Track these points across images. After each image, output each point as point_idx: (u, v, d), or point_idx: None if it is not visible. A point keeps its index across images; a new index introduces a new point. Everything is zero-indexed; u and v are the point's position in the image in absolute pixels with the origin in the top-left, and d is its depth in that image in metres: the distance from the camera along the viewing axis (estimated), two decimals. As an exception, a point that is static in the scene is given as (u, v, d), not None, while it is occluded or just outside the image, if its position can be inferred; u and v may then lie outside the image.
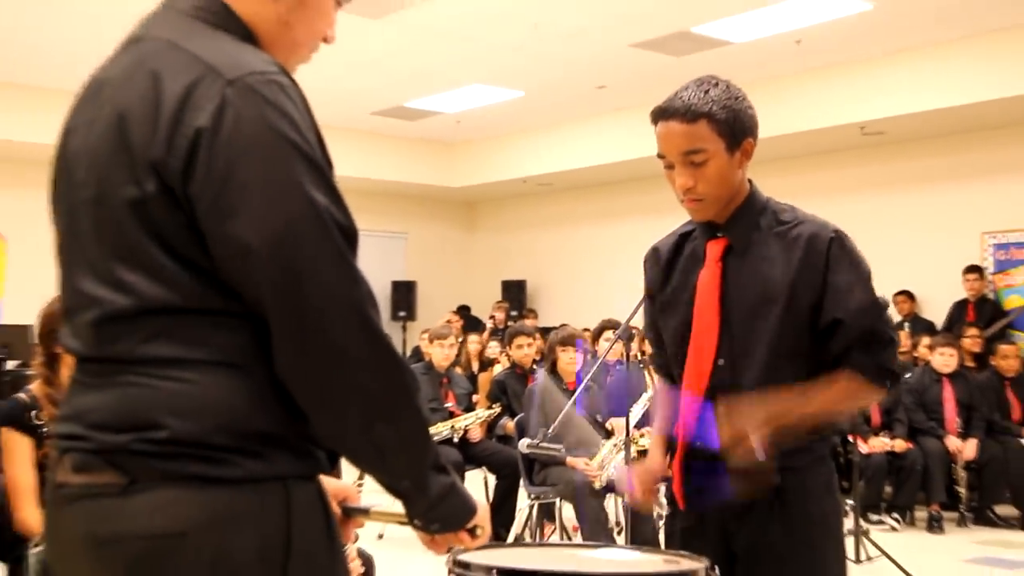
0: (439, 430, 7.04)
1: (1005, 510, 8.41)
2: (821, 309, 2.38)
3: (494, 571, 1.96)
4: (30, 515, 3.50)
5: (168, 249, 1.49)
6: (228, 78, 1.47)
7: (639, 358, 7.49)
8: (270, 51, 1.62)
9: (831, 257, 2.39)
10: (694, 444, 2.44)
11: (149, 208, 1.48)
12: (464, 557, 2.04)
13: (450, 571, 2.04)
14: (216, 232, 1.46)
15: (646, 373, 7.11)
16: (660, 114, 2.44)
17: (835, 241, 2.40)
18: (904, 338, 10.12)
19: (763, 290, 2.42)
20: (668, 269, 2.62)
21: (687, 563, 2.10)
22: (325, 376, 1.49)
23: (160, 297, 1.49)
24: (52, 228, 1.71)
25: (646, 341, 7.66)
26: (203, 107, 1.45)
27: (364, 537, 1.71)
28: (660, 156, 2.47)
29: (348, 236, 1.51)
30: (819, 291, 2.38)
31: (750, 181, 2.53)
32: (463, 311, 14.95)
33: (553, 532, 6.65)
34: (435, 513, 1.62)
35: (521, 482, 6.83)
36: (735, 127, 2.40)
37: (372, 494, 1.75)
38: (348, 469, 1.82)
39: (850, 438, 7.82)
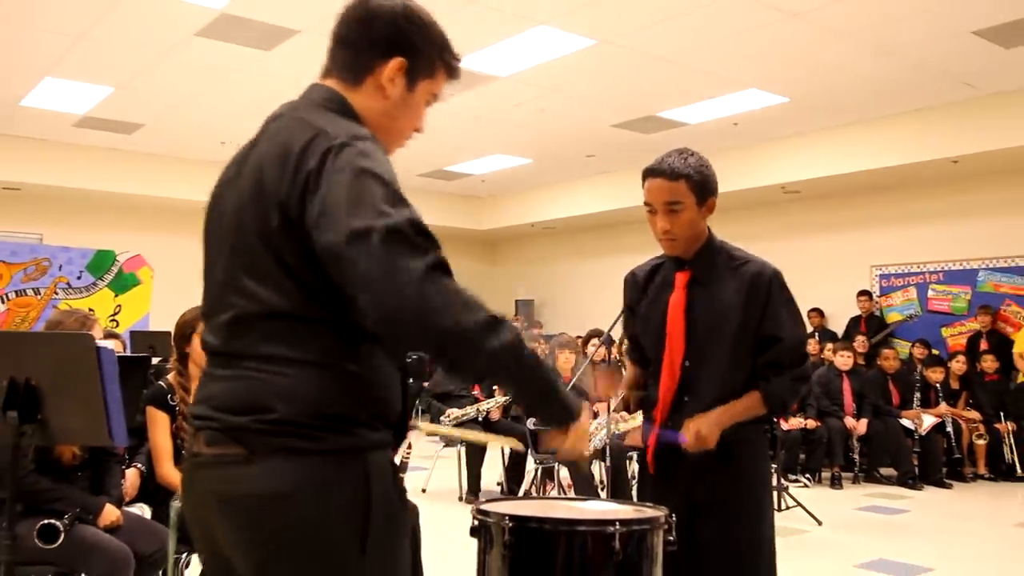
0: (467, 412, 7.03)
1: (887, 471, 8.41)
2: (760, 327, 2.41)
3: (506, 518, 1.95)
4: (168, 472, 3.50)
5: (286, 269, 1.50)
6: (332, 136, 1.50)
7: (617, 358, 7.45)
8: (376, 136, 1.62)
9: (772, 291, 2.43)
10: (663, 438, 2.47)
11: (274, 237, 1.50)
12: (484, 507, 2.04)
13: (474, 517, 2.03)
14: (318, 244, 1.45)
15: (622, 369, 7.09)
16: (650, 172, 2.47)
17: (774, 278, 2.45)
18: (814, 344, 10.12)
19: (720, 312, 2.45)
20: (644, 289, 2.64)
21: (650, 511, 2.09)
22: (395, 332, 1.44)
23: (278, 305, 1.51)
24: (202, 254, 1.71)
25: (623, 345, 7.66)
26: (314, 156, 1.48)
27: (409, 491, 1.70)
28: (646, 204, 2.49)
29: (416, 227, 1.44)
30: (761, 314, 2.42)
31: (709, 228, 2.55)
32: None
33: (553, 488, 6.63)
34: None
35: (529, 451, 6.81)
36: (704, 187, 2.44)
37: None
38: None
39: (774, 419, 7.80)
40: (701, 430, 2.33)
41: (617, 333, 7.55)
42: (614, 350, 7.13)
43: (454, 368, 1.53)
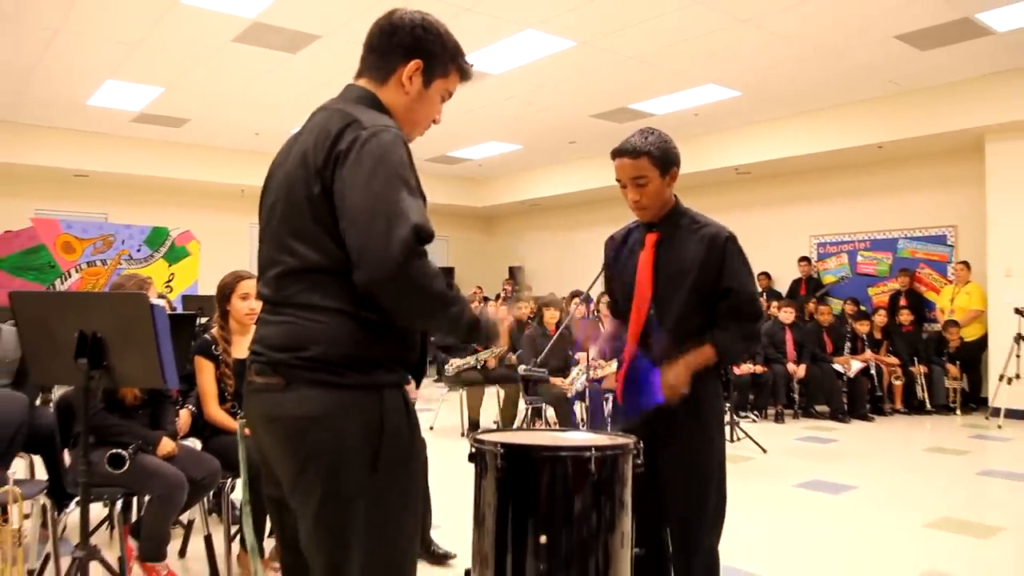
0: (468, 361, 7.04)
1: (821, 408, 8.50)
2: (720, 281, 2.36)
3: (498, 445, 1.96)
4: (214, 411, 3.51)
5: (324, 229, 1.53)
6: (364, 126, 1.54)
7: (596, 314, 7.48)
8: (401, 125, 1.68)
9: (726, 250, 2.37)
10: (635, 373, 2.43)
11: (315, 202, 1.54)
12: (481, 436, 2.05)
13: (471, 445, 2.04)
14: (338, 209, 1.51)
15: (600, 324, 7.11)
16: (617, 153, 2.42)
17: (729, 239, 2.39)
18: (763, 302, 10.14)
19: (680, 267, 2.39)
20: (619, 250, 2.59)
21: (621, 439, 2.10)
22: (379, 295, 1.48)
23: (316, 261, 1.55)
24: (258, 224, 1.74)
25: (599, 302, 7.67)
26: (347, 140, 1.52)
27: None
28: (617, 180, 2.44)
29: (421, 229, 1.48)
30: (718, 270, 2.36)
31: (676, 196, 2.50)
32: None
33: (540, 425, 6.67)
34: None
35: (520, 394, 6.85)
36: (665, 160, 2.39)
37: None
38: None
39: (729, 365, 7.85)
40: (673, 382, 2.30)
41: (595, 292, 7.57)
42: (592, 307, 7.14)
43: (402, 311, 1.53)
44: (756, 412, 8.32)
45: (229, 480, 3.45)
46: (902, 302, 9.50)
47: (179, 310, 7.28)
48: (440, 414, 7.60)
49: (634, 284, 2.46)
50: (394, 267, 1.43)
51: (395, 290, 1.46)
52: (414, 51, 1.70)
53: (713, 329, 2.38)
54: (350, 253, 1.48)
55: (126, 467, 3.09)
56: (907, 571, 3.55)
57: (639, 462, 2.07)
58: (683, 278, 2.38)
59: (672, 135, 2.51)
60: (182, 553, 3.69)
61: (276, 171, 1.70)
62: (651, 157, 2.37)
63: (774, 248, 10.97)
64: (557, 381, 6.39)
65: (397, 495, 1.57)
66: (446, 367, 7.19)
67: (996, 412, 7.93)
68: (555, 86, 8.65)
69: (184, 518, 3.77)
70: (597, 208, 13.37)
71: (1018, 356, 7.89)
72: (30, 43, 7.26)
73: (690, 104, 9.31)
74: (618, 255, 2.60)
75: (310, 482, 1.52)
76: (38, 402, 4.15)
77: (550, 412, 6.59)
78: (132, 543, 3.39)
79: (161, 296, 5.45)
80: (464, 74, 1.79)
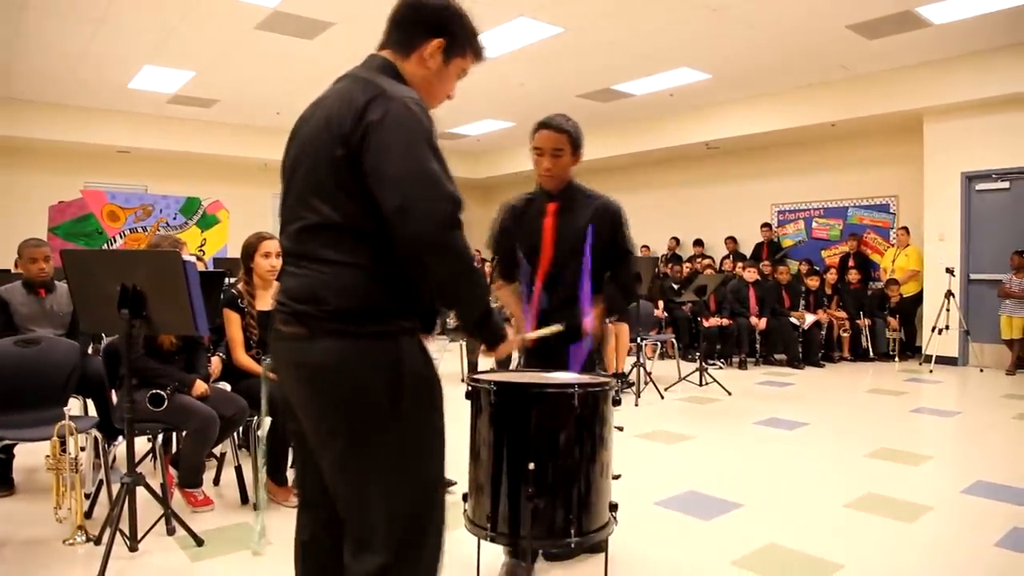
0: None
1: (779, 356, 8.53)
2: (613, 244, 2.52)
3: (491, 383, 1.96)
4: (241, 357, 3.50)
5: (345, 190, 1.46)
6: (392, 96, 1.46)
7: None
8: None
9: (616, 218, 2.54)
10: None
11: (339, 165, 1.46)
12: (477, 376, 2.04)
13: (467, 384, 2.03)
14: (371, 173, 1.43)
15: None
16: (543, 125, 2.53)
17: (620, 210, 2.57)
18: (729, 263, 10.16)
19: (576, 232, 2.48)
20: (521, 216, 2.65)
21: (603, 378, 2.09)
22: (411, 257, 1.44)
23: (334, 218, 1.47)
24: (281, 183, 1.66)
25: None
26: (376, 111, 1.44)
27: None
28: (537, 148, 2.54)
29: (459, 202, 1.45)
30: (612, 235, 2.51)
31: (572, 175, 2.62)
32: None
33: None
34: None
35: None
36: (577, 142, 2.54)
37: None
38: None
39: (699, 319, 7.86)
40: (596, 327, 2.45)
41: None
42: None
43: (431, 272, 1.46)
44: (722, 360, 8.36)
45: (255, 418, 3.45)
46: (851, 263, 9.50)
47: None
48: (443, 362, 7.62)
49: (540, 244, 2.54)
50: (437, 231, 1.39)
51: (436, 252, 1.41)
52: (438, 30, 1.63)
53: (604, 286, 2.52)
54: (388, 215, 1.41)
55: (165, 406, 3.09)
56: (851, 493, 3.60)
57: (619, 399, 2.07)
58: (578, 241, 2.47)
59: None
60: (216, 481, 3.72)
61: (299, 132, 1.63)
62: (569, 136, 2.50)
63: (740, 215, 10.92)
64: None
65: (417, 434, 1.52)
66: (448, 321, 7.17)
67: (928, 359, 8.04)
68: (545, 69, 8.50)
69: (217, 451, 3.79)
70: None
71: (947, 310, 7.96)
72: (78, 33, 7.14)
73: (666, 85, 9.16)
74: (520, 220, 2.65)
75: (333, 426, 1.48)
76: (89, 351, 4.14)
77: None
78: (172, 472, 3.41)
79: (195, 255, 5.42)
80: (479, 56, 1.73)
